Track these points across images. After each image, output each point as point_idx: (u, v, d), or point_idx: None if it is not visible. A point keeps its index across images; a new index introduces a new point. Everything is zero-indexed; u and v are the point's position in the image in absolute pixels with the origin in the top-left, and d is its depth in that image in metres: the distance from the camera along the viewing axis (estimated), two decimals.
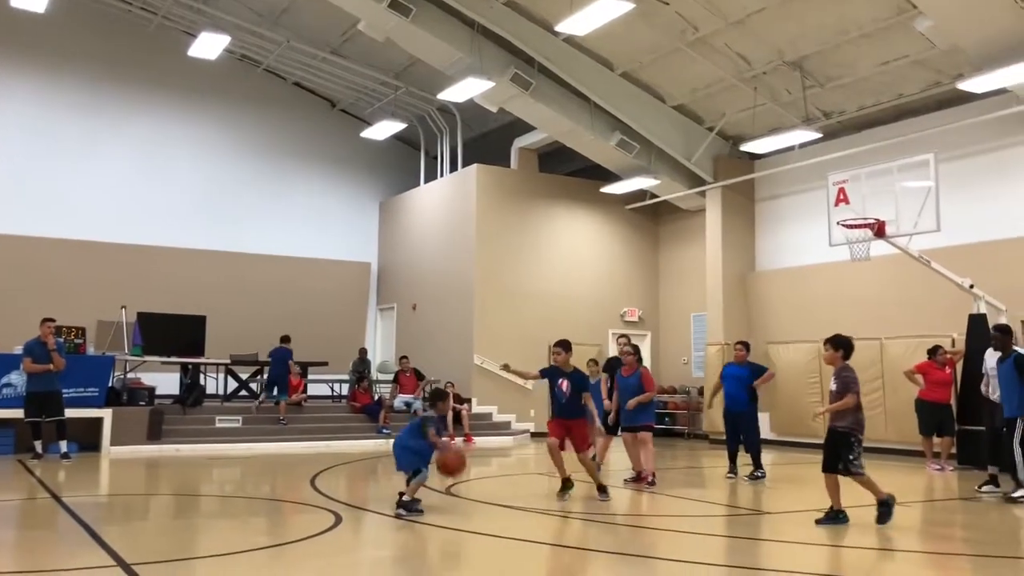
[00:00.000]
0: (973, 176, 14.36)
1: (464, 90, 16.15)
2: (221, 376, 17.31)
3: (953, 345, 13.31)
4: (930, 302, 13.94)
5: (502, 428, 18.07)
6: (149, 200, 20.34)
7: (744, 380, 11.32)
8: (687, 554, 6.61)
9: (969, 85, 12.73)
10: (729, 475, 11.38)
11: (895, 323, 14.86)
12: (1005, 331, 9.70)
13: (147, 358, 15.46)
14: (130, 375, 15.57)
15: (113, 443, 13.67)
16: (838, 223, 12.90)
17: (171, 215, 20.48)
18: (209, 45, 16.77)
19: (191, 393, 15.55)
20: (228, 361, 16.84)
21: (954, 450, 12.90)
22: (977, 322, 12.77)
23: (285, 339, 16.18)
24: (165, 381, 16.39)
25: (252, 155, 21.85)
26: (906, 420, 13.50)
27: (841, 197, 13.15)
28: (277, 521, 8.28)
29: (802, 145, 16.41)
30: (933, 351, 12.89)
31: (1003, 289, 13.06)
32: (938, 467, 12.47)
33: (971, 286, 12.74)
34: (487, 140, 21.50)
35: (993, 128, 13.95)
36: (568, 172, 20.73)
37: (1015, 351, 9.45)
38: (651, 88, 17.24)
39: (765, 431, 16.97)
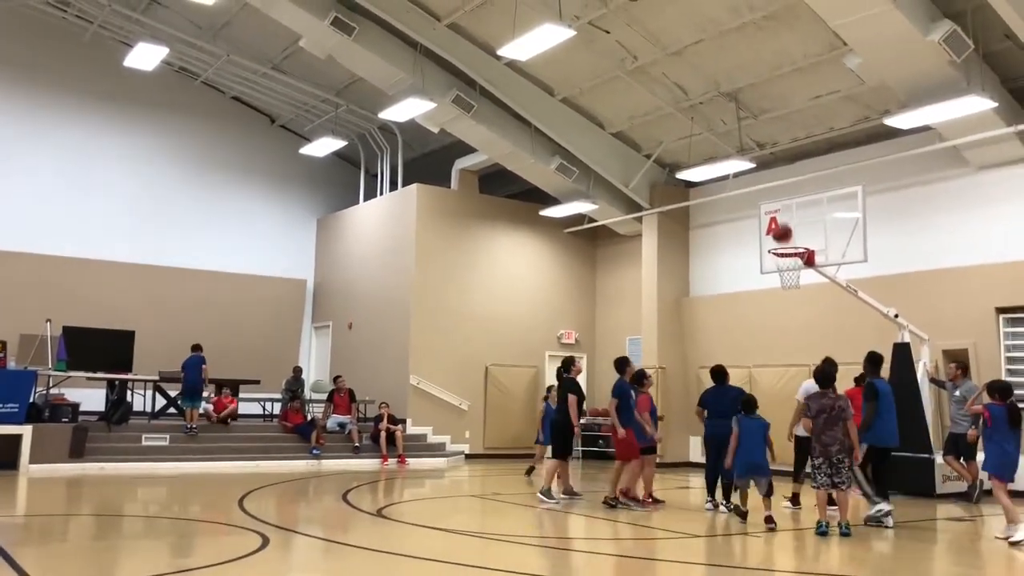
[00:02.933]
0: (899, 209, 14.84)
1: (405, 110, 16.16)
2: (149, 393, 16.90)
3: None
4: (857, 330, 14.30)
5: (436, 449, 17.96)
6: (79, 211, 19.80)
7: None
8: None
9: (896, 121, 13.18)
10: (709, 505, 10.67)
11: (823, 350, 15.11)
12: (873, 360, 10.26)
13: (72, 373, 14.99)
14: (53, 391, 15.09)
15: (32, 461, 13.21)
16: (769, 251, 13.20)
17: (102, 227, 19.95)
18: (146, 56, 16.48)
19: (117, 410, 15.12)
20: (157, 378, 16.44)
21: None
22: (901, 350, 13.16)
23: (196, 347, 15.90)
24: (90, 397, 15.91)
25: (188, 169, 21.47)
26: None
27: (773, 226, 13.46)
28: (202, 543, 8.08)
29: (736, 174, 16.77)
30: (860, 379, 13.22)
31: (926, 319, 13.49)
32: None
33: (896, 315, 13.12)
34: (428, 160, 21.52)
35: (918, 163, 14.45)
36: (508, 194, 20.83)
37: (869, 380, 9.96)
38: (591, 114, 17.47)
39: (695, 455, 17.28)
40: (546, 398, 13.92)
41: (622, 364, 11.22)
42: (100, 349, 15.68)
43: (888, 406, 9.79)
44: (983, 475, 9.96)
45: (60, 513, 9.97)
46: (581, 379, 12.07)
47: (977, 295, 13.62)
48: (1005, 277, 13.38)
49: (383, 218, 20.93)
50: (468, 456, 18.42)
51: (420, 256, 19.20)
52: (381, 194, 21.47)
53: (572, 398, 11.15)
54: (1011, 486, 8.67)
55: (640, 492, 10.81)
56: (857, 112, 15.00)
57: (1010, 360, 13.39)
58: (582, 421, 12.19)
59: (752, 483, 9.40)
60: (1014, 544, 8.21)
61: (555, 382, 12.43)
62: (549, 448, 12.08)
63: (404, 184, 20.63)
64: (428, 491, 13.53)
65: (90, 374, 15.36)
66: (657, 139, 17.60)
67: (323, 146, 20.29)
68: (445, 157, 20.59)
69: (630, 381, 10.97)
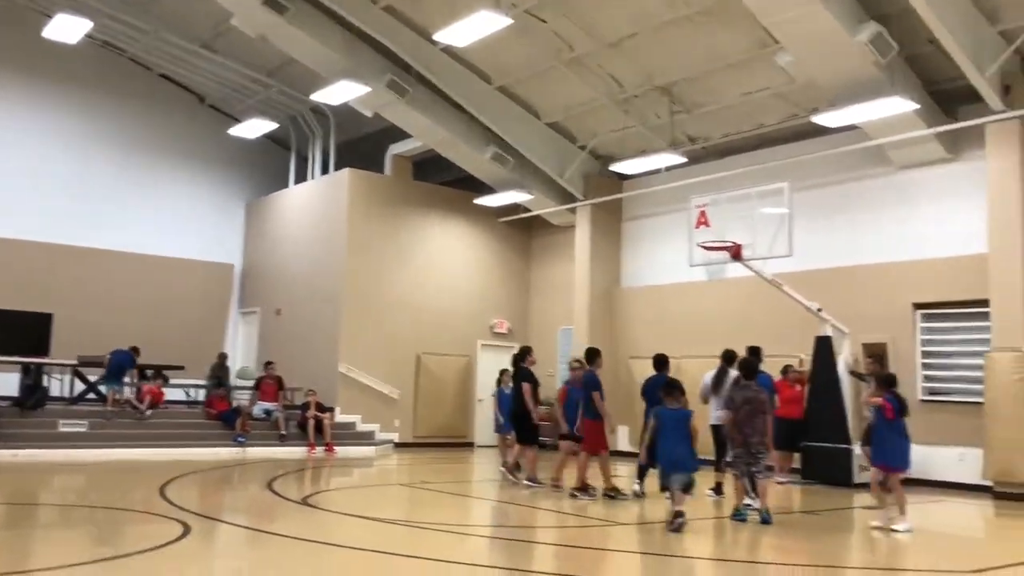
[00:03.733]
0: (824, 205, 15.19)
1: (338, 93, 15.92)
2: (68, 378, 16.37)
3: (801, 364, 14.02)
4: (782, 323, 14.62)
5: (365, 438, 17.81)
6: None
7: None
8: (542, 565, 6.69)
9: (823, 119, 13.47)
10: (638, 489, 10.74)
11: (748, 342, 15.49)
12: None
13: None
14: None
15: None
16: (698, 244, 13.41)
17: (18, 205, 19.11)
18: (67, 28, 15.84)
19: (32, 395, 14.62)
20: (76, 362, 15.94)
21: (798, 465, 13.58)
22: (823, 343, 13.51)
23: (134, 350, 15.64)
24: (3, 382, 15.37)
25: (110, 147, 20.74)
26: None
27: (702, 220, 13.67)
28: (120, 532, 7.87)
29: (668, 168, 16.96)
30: (784, 370, 13.57)
31: (847, 313, 13.86)
32: (784, 480, 13.09)
33: (819, 309, 13.46)
34: (361, 145, 21.24)
35: (844, 161, 14.82)
36: (443, 181, 20.70)
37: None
38: (527, 103, 17.47)
39: (624, 444, 17.49)
40: (499, 382, 13.81)
41: (592, 356, 11.27)
42: (15, 331, 15.17)
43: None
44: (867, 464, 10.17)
45: None
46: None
47: (896, 291, 14.04)
48: (923, 274, 13.83)
49: (314, 203, 20.61)
50: (398, 445, 18.32)
51: (351, 242, 18.96)
52: (312, 178, 21.14)
53: (527, 386, 11.25)
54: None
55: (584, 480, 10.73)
56: (786, 109, 15.30)
57: (926, 355, 13.85)
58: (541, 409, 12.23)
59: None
60: (892, 532, 8.48)
61: (505, 368, 12.74)
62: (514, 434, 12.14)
63: (336, 168, 20.35)
64: (356, 479, 13.41)
65: (3, 357, 14.81)
66: (592, 131, 17.69)
67: (253, 127, 19.87)
68: (379, 142, 20.35)
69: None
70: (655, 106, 16.21)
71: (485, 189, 19.44)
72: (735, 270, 13.75)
